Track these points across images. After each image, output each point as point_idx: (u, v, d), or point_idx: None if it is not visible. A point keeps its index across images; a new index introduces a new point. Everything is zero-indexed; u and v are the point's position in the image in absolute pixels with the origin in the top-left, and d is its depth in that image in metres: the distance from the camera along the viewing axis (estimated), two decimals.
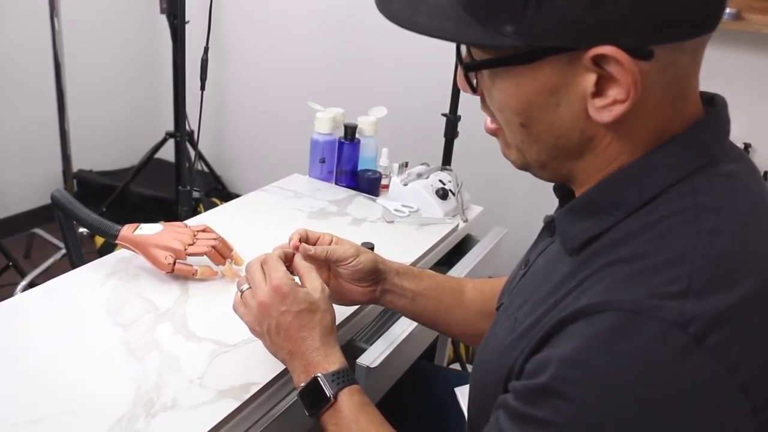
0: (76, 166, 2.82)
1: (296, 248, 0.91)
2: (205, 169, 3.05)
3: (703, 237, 0.53)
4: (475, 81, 0.64)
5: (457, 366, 1.94)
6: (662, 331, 0.50)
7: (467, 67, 0.62)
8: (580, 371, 0.52)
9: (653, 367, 0.50)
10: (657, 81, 0.55)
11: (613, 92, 0.54)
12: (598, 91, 0.55)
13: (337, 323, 1.04)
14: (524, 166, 0.67)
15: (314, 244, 0.94)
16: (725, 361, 0.49)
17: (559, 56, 0.54)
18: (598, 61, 0.53)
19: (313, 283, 0.85)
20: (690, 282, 0.51)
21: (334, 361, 0.80)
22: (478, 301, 0.99)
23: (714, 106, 0.62)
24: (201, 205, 2.68)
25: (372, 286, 0.96)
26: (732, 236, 0.54)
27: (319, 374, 0.78)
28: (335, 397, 0.76)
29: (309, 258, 0.91)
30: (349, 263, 0.93)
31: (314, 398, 0.78)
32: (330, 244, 0.95)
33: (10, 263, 2.30)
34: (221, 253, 1.14)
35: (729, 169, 0.59)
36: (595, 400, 0.51)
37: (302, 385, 0.79)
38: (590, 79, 0.54)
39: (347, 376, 0.79)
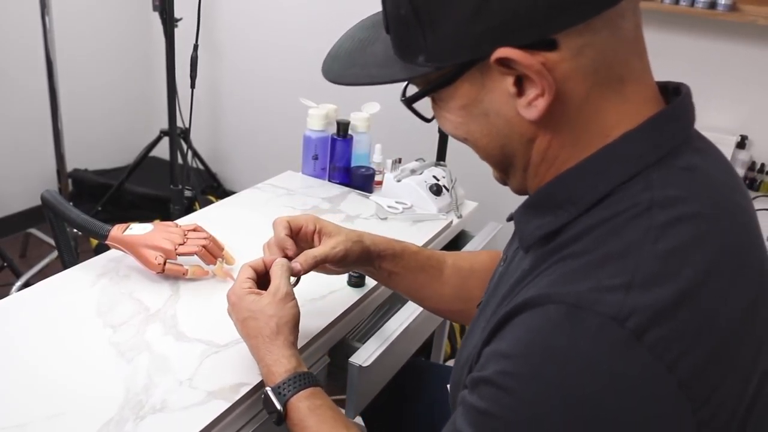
0: (72, 165, 2.81)
1: (287, 255, 0.90)
2: (200, 166, 3.04)
3: (653, 231, 0.53)
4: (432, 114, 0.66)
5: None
6: (600, 325, 0.49)
7: (404, 102, 0.65)
8: (518, 365, 0.53)
9: (590, 362, 0.49)
10: (575, 67, 0.54)
11: (532, 88, 0.55)
12: (522, 91, 0.56)
13: (330, 320, 1.05)
14: (502, 182, 0.69)
15: (297, 234, 0.94)
16: (665, 358, 0.49)
17: (472, 70, 0.57)
18: (505, 64, 0.54)
19: (270, 287, 0.86)
20: (634, 275, 0.51)
21: (279, 370, 0.81)
22: (454, 278, 1.00)
23: (679, 95, 0.61)
24: (197, 203, 2.67)
25: (354, 268, 0.99)
26: (684, 230, 0.53)
27: (267, 389, 0.81)
28: (284, 407, 0.79)
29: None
30: (341, 262, 0.92)
31: (270, 410, 0.80)
32: (314, 232, 0.94)
33: (5, 263, 2.29)
34: (212, 252, 1.13)
35: (690, 161, 0.58)
36: (533, 394, 0.51)
37: (263, 397, 0.81)
38: (508, 81, 0.56)
39: (294, 383, 0.80)
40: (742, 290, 0.54)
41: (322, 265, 0.92)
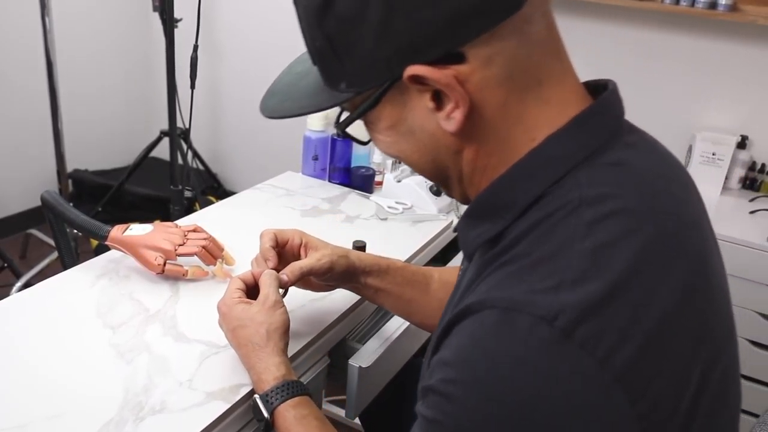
0: (72, 165, 2.81)
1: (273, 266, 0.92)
2: (200, 167, 3.04)
3: (581, 229, 0.53)
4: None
5: None
6: (531, 326, 0.50)
7: (338, 128, 0.66)
8: (458, 371, 0.53)
9: (523, 364, 0.50)
10: (488, 76, 0.55)
11: (448, 101, 0.56)
12: (440, 105, 0.57)
13: (330, 321, 1.05)
14: (448, 195, 0.69)
15: (284, 247, 0.95)
16: (597, 354, 0.49)
17: (391, 91, 0.58)
18: (418, 81, 0.55)
19: (260, 296, 0.87)
20: (564, 275, 0.51)
21: (268, 378, 0.82)
22: (440, 291, 1.00)
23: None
24: (197, 204, 2.67)
25: (340, 284, 0.99)
26: (613, 225, 0.53)
27: (256, 396, 0.82)
28: (271, 416, 0.80)
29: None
30: (325, 276, 0.94)
31: (258, 418, 0.82)
32: (300, 247, 0.96)
33: (5, 264, 2.29)
34: (212, 252, 1.13)
35: (619, 156, 0.58)
36: (474, 400, 0.51)
37: (252, 404, 0.83)
38: (426, 97, 0.57)
39: (281, 391, 0.80)
40: (676, 281, 0.54)
41: (307, 278, 0.93)
